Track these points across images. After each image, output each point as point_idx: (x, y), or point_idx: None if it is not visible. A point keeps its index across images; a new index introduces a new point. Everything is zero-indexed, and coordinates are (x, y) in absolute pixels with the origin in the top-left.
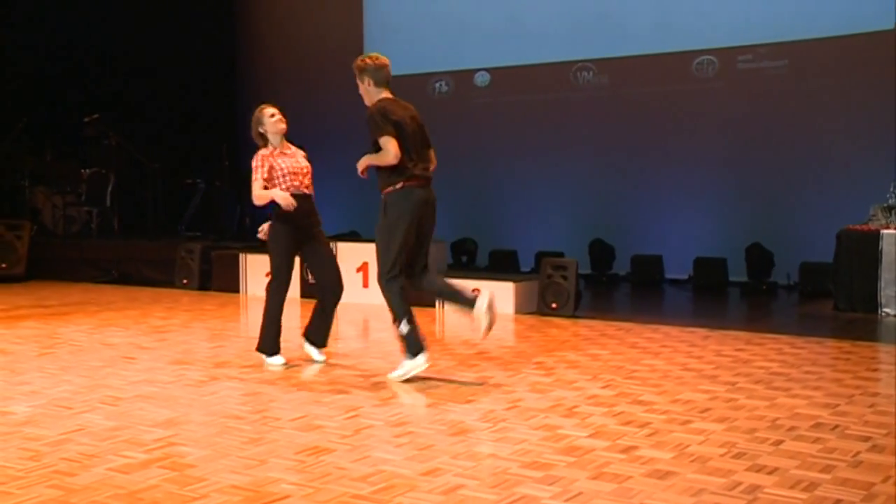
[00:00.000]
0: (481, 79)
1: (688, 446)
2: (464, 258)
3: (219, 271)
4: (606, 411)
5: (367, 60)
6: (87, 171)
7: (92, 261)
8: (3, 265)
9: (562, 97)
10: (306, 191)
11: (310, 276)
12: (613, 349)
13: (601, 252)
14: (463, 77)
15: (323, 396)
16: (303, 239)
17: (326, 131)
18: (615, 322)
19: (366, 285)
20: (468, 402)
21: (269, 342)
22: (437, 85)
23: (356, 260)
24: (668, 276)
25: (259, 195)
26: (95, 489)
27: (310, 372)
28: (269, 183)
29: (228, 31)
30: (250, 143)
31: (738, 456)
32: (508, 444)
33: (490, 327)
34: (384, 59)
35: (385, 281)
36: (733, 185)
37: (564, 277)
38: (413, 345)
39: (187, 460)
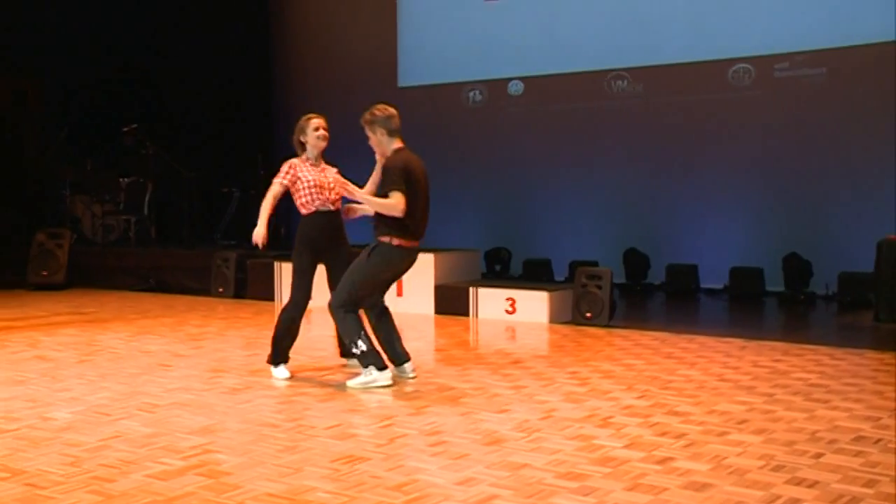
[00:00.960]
0: (515, 88)
1: (725, 458)
2: (497, 267)
3: (254, 280)
4: (642, 422)
5: (376, 112)
6: (126, 180)
7: (130, 269)
8: (45, 273)
9: (596, 106)
10: (332, 206)
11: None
12: (648, 359)
13: (636, 261)
14: (496, 86)
15: (357, 405)
16: (327, 255)
17: (360, 141)
18: (650, 332)
19: (400, 293)
20: (502, 411)
21: (275, 354)
22: (471, 94)
23: None
24: (704, 285)
25: (266, 198)
26: (133, 495)
27: (344, 380)
28: (294, 192)
29: (263, 42)
30: (285, 152)
31: (776, 469)
32: (543, 454)
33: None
34: (392, 109)
35: (338, 310)
36: (770, 194)
37: (599, 287)
38: (375, 359)
39: (223, 468)
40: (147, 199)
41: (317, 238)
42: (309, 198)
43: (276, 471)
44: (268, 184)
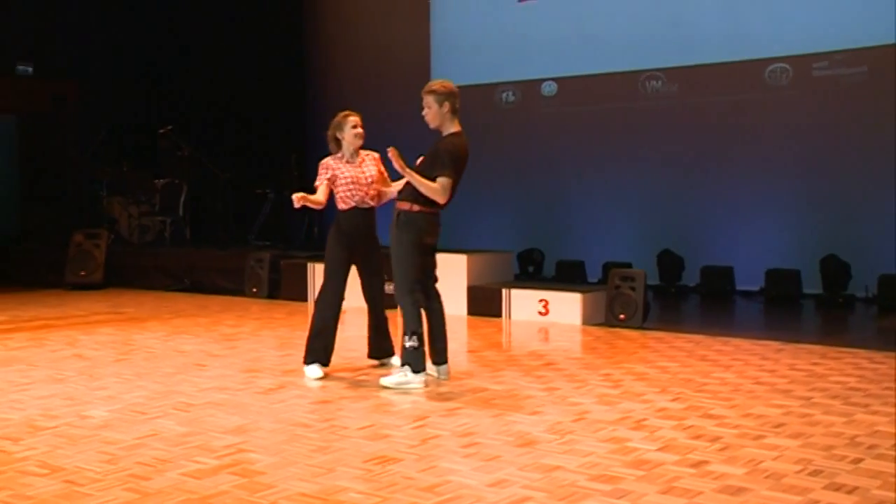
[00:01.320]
0: (548, 88)
1: (761, 462)
2: (530, 268)
3: (287, 280)
4: (676, 424)
5: (449, 85)
6: (161, 181)
7: (165, 269)
8: (83, 273)
9: (630, 107)
10: (370, 202)
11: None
12: (683, 361)
13: (670, 263)
14: (529, 87)
15: (390, 405)
16: (360, 252)
17: (393, 142)
18: (684, 334)
19: None
20: (535, 413)
21: (306, 353)
22: (504, 95)
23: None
24: (739, 287)
25: (314, 195)
26: (168, 493)
27: (376, 381)
28: (334, 188)
29: (297, 43)
30: (319, 153)
31: (814, 473)
32: (576, 457)
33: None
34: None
35: (405, 298)
36: (807, 194)
37: (632, 288)
38: (416, 361)
39: (257, 467)
40: (182, 200)
41: (351, 234)
42: (347, 193)
43: (308, 471)
44: (301, 184)
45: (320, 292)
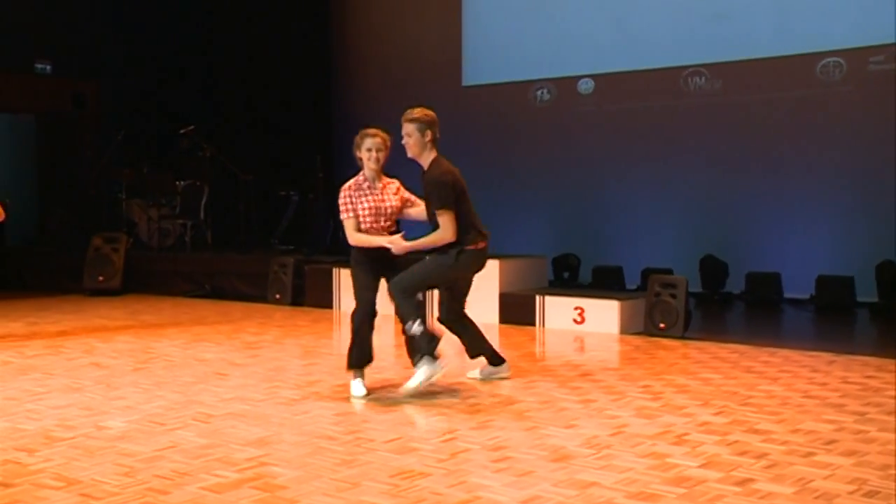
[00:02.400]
0: (585, 86)
1: (811, 481)
2: (565, 274)
3: (312, 286)
4: (719, 440)
5: (431, 113)
6: (182, 183)
7: (185, 274)
8: (101, 278)
9: (671, 105)
10: (385, 233)
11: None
12: (726, 373)
13: (713, 269)
14: (566, 84)
15: (418, 417)
16: (383, 267)
17: None
18: (728, 344)
19: None
20: (570, 426)
21: (353, 360)
22: (539, 93)
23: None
24: (787, 295)
25: (356, 238)
26: None
27: (404, 392)
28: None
29: (323, 41)
30: (345, 154)
31: (869, 494)
32: (613, 473)
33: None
34: None
35: (398, 294)
36: (861, 196)
37: (673, 296)
38: (431, 345)
39: (279, 481)
40: (203, 202)
41: (370, 262)
42: (367, 225)
43: (333, 485)
44: (327, 187)
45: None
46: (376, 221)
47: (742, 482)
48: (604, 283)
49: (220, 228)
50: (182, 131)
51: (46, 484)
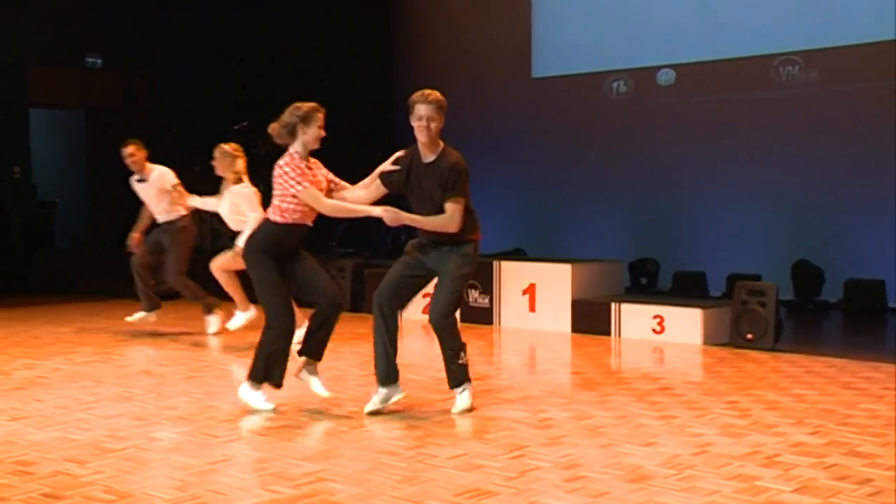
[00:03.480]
0: (665, 77)
1: None
2: (643, 280)
3: (372, 291)
4: (815, 462)
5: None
6: None
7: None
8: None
9: (761, 97)
10: (310, 222)
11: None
12: (822, 389)
13: (807, 275)
14: (644, 75)
15: (485, 433)
16: (283, 262)
17: (491, 140)
18: (824, 357)
19: (532, 308)
20: (649, 444)
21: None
22: (615, 85)
23: (522, 281)
24: (892, 304)
25: (332, 206)
26: None
27: (470, 406)
28: (282, 192)
29: (384, 34)
30: None
31: None
32: (696, 496)
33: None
34: None
35: (448, 320)
36: None
37: (762, 304)
38: (465, 373)
39: (337, 498)
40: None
41: (278, 249)
42: (292, 206)
43: (394, 503)
44: None
45: (269, 319)
46: (306, 206)
47: None
48: (685, 290)
49: None
50: (235, 127)
51: (97, 497)
